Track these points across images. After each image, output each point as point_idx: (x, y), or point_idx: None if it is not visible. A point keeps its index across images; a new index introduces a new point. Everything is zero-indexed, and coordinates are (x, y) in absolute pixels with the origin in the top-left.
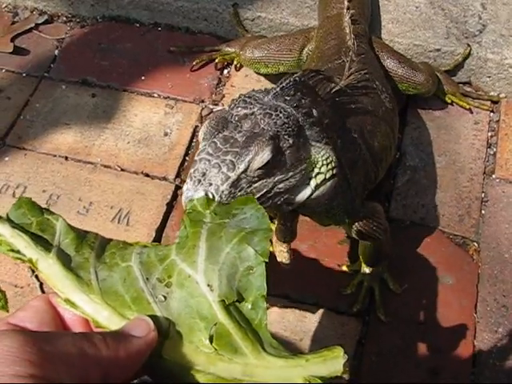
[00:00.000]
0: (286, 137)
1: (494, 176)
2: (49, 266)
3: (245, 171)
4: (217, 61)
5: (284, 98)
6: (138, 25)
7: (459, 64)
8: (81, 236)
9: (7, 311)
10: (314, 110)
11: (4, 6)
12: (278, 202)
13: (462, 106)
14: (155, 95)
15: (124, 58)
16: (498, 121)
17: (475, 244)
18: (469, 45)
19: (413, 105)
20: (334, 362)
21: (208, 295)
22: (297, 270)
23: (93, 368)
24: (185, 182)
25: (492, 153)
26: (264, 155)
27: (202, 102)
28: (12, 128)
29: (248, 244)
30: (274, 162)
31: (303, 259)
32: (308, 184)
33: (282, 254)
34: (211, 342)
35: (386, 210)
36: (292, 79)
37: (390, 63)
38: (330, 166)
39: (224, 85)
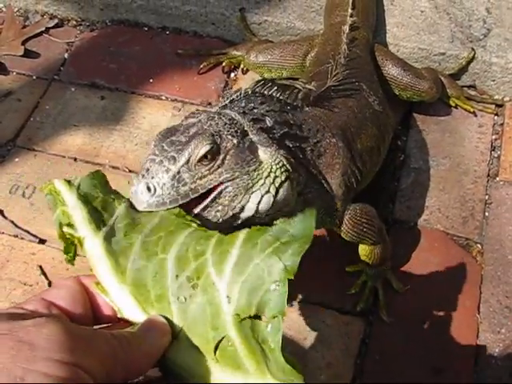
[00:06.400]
0: (229, 137)
1: (497, 178)
2: (93, 247)
3: (185, 164)
4: (224, 64)
5: (230, 108)
6: (146, 28)
7: (463, 68)
8: (136, 221)
9: (73, 265)
10: (268, 118)
11: (15, 10)
12: (235, 209)
13: (466, 110)
14: (163, 98)
15: (132, 61)
16: (502, 124)
17: (478, 245)
18: (473, 49)
19: (417, 108)
20: None
21: (224, 306)
22: (301, 270)
23: (119, 367)
24: None
25: (496, 155)
26: (203, 147)
27: (209, 104)
28: (22, 129)
29: (280, 257)
30: (215, 157)
31: (307, 259)
32: (263, 187)
33: None
34: (215, 352)
35: (390, 211)
36: (243, 92)
37: (394, 71)
38: (282, 170)
39: (231, 88)
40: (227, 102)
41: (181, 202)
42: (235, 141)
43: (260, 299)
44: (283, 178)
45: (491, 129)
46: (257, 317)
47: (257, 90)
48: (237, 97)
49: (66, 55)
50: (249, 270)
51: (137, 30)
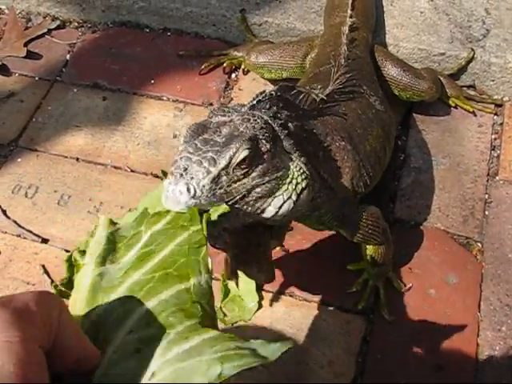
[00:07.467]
0: (263, 141)
1: (497, 178)
2: (83, 276)
3: (225, 167)
4: (225, 65)
5: (260, 110)
6: (147, 30)
7: (462, 68)
8: (150, 251)
9: (56, 289)
10: (291, 124)
11: (18, 12)
12: (257, 210)
13: (465, 109)
14: (164, 98)
15: (134, 62)
16: (501, 123)
17: (479, 244)
18: (472, 49)
19: (417, 108)
20: None
21: (144, 379)
22: (303, 269)
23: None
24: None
25: (496, 155)
26: (243, 152)
27: (211, 104)
28: (25, 130)
29: (222, 364)
30: (252, 162)
31: (309, 258)
32: (286, 192)
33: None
34: None
35: (391, 211)
36: (268, 93)
37: (393, 72)
38: (303, 177)
39: (232, 88)
40: (255, 102)
41: (215, 204)
42: (269, 146)
43: None
44: (304, 184)
45: (491, 128)
46: None
47: (279, 93)
48: (263, 98)
49: (67, 56)
50: (191, 361)
51: (138, 32)
